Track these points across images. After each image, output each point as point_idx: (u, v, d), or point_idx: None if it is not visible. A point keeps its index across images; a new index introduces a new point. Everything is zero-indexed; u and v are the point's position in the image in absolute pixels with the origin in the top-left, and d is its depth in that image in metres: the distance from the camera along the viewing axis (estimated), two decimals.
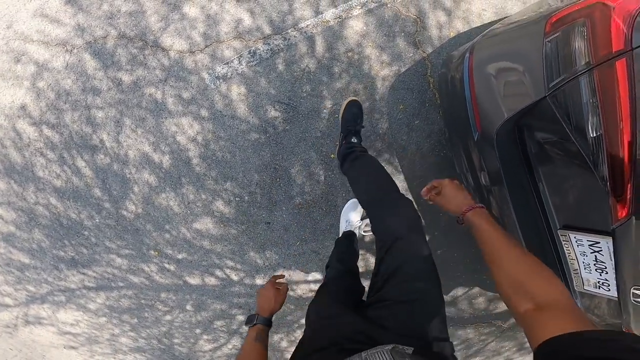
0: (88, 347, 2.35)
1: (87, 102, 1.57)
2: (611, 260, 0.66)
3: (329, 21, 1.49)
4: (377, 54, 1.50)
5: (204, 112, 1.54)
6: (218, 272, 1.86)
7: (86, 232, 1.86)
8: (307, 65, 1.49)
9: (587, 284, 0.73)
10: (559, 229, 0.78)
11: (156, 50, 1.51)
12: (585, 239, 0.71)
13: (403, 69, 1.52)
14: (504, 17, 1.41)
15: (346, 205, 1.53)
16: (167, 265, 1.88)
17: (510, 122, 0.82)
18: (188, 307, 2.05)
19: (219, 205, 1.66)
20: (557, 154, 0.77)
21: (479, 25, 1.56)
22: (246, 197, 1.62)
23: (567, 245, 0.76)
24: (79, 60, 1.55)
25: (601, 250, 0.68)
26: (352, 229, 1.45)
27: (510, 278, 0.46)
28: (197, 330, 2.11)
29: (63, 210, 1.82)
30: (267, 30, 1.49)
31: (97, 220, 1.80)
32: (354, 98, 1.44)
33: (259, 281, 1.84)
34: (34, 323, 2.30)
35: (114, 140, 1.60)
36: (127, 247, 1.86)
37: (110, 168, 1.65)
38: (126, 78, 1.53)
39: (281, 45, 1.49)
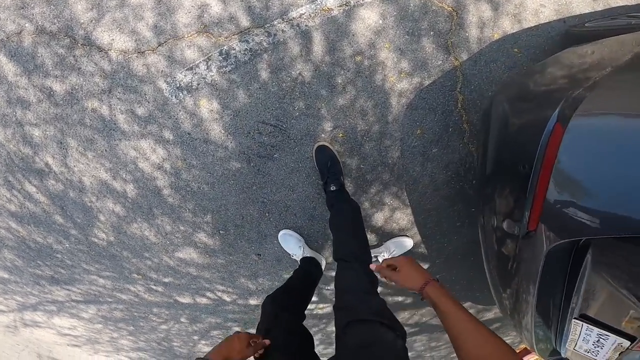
0: (90, 346, 2.33)
1: (16, 116, 1.16)
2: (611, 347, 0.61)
3: (332, 9, 1.00)
4: (395, 59, 1.06)
5: (167, 134, 1.14)
6: (209, 294, 1.70)
7: (59, 255, 1.62)
8: (300, 73, 1.04)
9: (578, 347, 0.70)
10: (575, 317, 0.67)
11: (90, 50, 1.02)
12: (597, 331, 0.63)
13: (427, 82, 1.09)
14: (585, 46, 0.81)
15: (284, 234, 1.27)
16: (154, 287, 1.70)
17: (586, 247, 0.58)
18: (183, 320, 1.94)
19: (202, 237, 1.39)
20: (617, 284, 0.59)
21: (532, 25, 1.06)
22: (232, 230, 1.35)
23: (575, 329, 0.67)
24: None
25: (607, 340, 0.61)
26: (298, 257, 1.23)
27: (471, 354, 0.44)
28: (195, 337, 2.06)
29: (27, 234, 1.54)
30: (245, 21, 1.00)
31: (67, 245, 1.54)
32: (322, 143, 1.07)
33: (253, 302, 1.69)
34: (33, 326, 2.23)
35: (62, 165, 1.25)
36: (107, 270, 1.65)
37: (66, 195, 1.32)
38: (58, 87, 1.06)
39: (264, 43, 1.03)
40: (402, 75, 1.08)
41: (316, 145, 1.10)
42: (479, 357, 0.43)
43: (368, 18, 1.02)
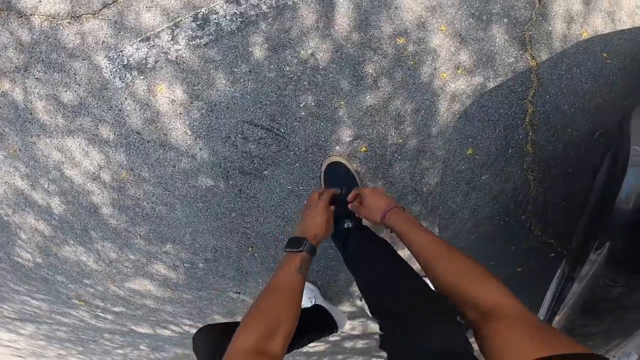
0: (36, 359, 2.00)
1: None
2: None
3: None
4: (453, 48, 0.71)
5: (105, 132, 0.75)
6: (174, 327, 1.36)
7: None
8: (312, 54, 0.68)
9: None
10: None
11: (8, 16, 0.64)
12: None
13: (491, 84, 0.76)
14: None
15: None
16: (101, 314, 1.34)
17: None
18: (142, 347, 1.62)
19: (159, 269, 1.03)
20: None
21: (627, 27, 0.85)
22: (200, 265, 1.00)
23: None
24: None
25: None
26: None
27: (448, 283, 0.41)
28: None
29: None
30: None
31: None
32: (336, 159, 0.74)
33: None
34: None
35: None
36: (40, 292, 1.27)
37: None
38: None
39: (264, 5, 0.65)
40: (459, 72, 0.74)
41: (327, 162, 0.75)
42: (456, 281, 0.40)
43: None
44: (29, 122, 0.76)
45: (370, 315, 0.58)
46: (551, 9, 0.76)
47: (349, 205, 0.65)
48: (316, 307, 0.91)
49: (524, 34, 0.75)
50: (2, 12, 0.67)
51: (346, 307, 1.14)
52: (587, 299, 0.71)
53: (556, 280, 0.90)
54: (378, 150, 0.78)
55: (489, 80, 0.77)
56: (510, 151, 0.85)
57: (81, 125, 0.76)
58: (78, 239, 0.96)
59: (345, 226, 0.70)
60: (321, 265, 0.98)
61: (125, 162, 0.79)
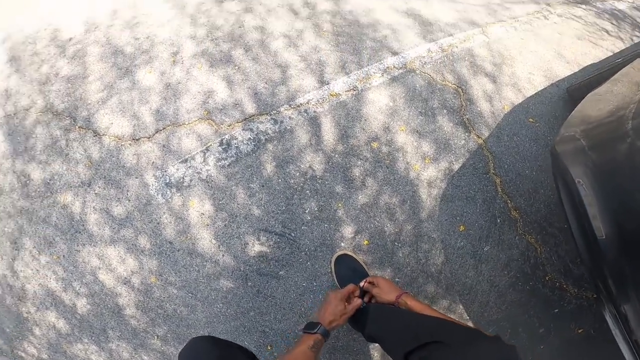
0: None
1: None
2: None
3: (340, 94, 0.91)
4: (415, 143, 0.89)
5: (143, 242, 0.87)
6: None
7: None
8: (310, 166, 0.85)
9: None
10: None
11: (85, 134, 0.89)
12: None
13: (456, 166, 0.90)
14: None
15: None
16: None
17: None
18: None
19: None
20: None
21: (533, 93, 1.06)
22: None
23: None
24: None
25: None
26: None
27: None
28: None
29: None
30: (250, 107, 0.88)
31: None
32: (343, 252, 0.82)
33: None
34: None
35: (7, 267, 0.92)
36: None
37: (1, 301, 0.94)
38: (37, 175, 0.89)
39: (270, 131, 0.88)
40: (426, 161, 0.89)
41: (336, 255, 0.81)
42: None
43: (378, 101, 0.92)
44: (80, 232, 0.88)
45: None
46: (472, 93, 0.98)
47: (364, 285, 0.70)
48: None
49: (463, 118, 0.94)
50: (81, 129, 0.89)
51: None
52: None
53: (615, 328, 0.72)
54: (379, 241, 0.85)
55: (453, 163, 0.90)
56: (498, 221, 0.90)
57: (124, 236, 0.87)
58: (93, 338, 0.92)
59: (362, 305, 0.69)
60: (325, 355, 0.87)
61: (155, 268, 0.86)
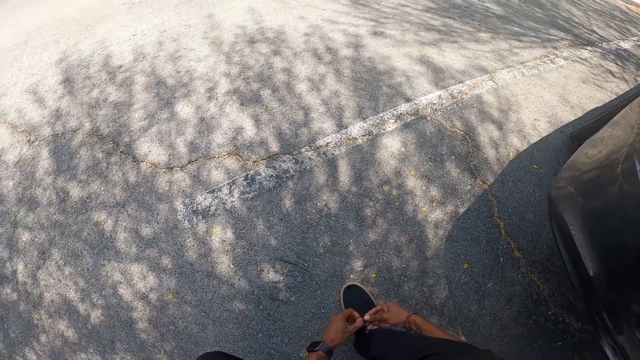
0: None
1: (16, 216, 1.01)
2: None
3: (356, 138, 0.99)
4: (424, 187, 0.96)
5: (166, 262, 0.94)
6: None
7: None
8: (326, 204, 0.93)
9: None
10: None
11: (125, 159, 0.98)
12: None
13: (461, 210, 0.96)
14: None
15: None
16: None
17: None
18: None
19: None
20: None
21: (537, 139, 1.11)
22: None
23: None
24: (33, 158, 1.04)
25: None
26: None
27: None
28: None
29: None
30: (274, 146, 0.97)
31: None
32: (352, 283, 0.88)
33: None
34: None
35: (30, 275, 0.99)
36: None
37: (15, 306, 1.01)
38: (75, 193, 0.98)
39: (291, 170, 0.96)
40: (434, 205, 0.95)
41: (345, 286, 0.86)
42: None
43: (391, 146, 1.00)
44: (107, 248, 0.96)
45: None
46: (479, 140, 1.04)
47: (371, 318, 0.73)
48: None
49: (469, 164, 1.00)
50: (122, 154, 0.99)
51: None
52: None
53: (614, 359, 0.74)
54: (386, 275, 0.90)
55: (459, 207, 0.96)
56: (501, 260, 0.95)
57: (148, 255, 0.95)
58: (99, 349, 0.97)
59: (367, 331, 0.74)
60: None
61: (174, 286, 0.93)
